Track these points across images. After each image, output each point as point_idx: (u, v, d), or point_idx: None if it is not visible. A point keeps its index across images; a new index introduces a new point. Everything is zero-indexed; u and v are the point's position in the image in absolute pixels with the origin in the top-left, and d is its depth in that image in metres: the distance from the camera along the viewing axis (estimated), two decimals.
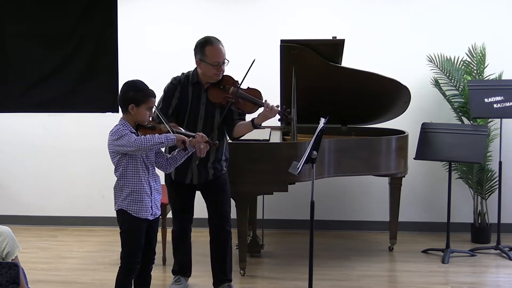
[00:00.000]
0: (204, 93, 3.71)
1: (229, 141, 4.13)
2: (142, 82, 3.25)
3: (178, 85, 3.73)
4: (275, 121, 4.97)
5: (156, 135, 3.14)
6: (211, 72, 3.64)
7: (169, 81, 3.80)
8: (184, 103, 3.70)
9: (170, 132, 3.23)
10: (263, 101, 3.63)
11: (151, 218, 3.26)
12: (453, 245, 4.77)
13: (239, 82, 3.67)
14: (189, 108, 3.71)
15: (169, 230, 4.15)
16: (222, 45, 3.67)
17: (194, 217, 4.00)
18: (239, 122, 3.72)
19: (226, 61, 3.66)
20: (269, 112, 3.58)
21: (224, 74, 3.70)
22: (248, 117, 3.77)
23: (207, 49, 3.63)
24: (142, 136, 3.13)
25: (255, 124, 3.63)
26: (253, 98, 3.65)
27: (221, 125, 3.73)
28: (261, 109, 3.65)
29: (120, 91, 3.25)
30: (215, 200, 3.82)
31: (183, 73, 3.80)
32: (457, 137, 4.64)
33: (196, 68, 3.75)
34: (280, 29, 5.26)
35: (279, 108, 3.62)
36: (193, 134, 3.38)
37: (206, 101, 3.70)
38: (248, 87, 3.70)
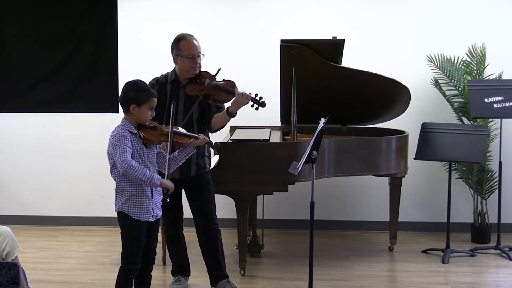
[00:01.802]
0: (182, 89, 3.79)
1: (231, 141, 4.14)
2: (144, 82, 3.26)
3: (156, 84, 3.81)
4: (275, 121, 5.02)
5: (145, 170, 3.11)
6: (188, 65, 3.74)
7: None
8: (162, 100, 3.72)
9: (170, 134, 3.23)
10: (235, 89, 3.72)
11: (152, 219, 3.26)
12: (453, 245, 4.77)
13: (215, 75, 3.74)
14: (167, 105, 3.74)
15: None
16: (196, 40, 3.79)
17: (189, 217, 4.00)
18: (216, 114, 3.79)
19: (201, 55, 3.76)
20: (241, 98, 3.68)
21: (202, 70, 3.79)
22: None
23: (182, 43, 3.76)
24: (134, 162, 3.09)
25: (230, 113, 3.71)
26: (226, 86, 3.74)
27: (201, 119, 3.79)
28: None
29: (122, 91, 3.25)
30: (198, 200, 3.85)
31: (162, 74, 3.90)
32: (457, 137, 4.64)
33: (174, 67, 3.84)
34: (280, 29, 5.26)
35: (251, 95, 3.70)
36: (196, 135, 3.41)
37: (184, 97, 3.78)
38: (223, 79, 3.79)
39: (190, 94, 3.75)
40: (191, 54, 3.72)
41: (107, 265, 4.55)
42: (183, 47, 3.74)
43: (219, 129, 3.88)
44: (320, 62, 4.49)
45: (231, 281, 3.90)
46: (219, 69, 3.72)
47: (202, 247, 3.91)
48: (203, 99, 3.73)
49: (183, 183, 3.84)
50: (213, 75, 3.75)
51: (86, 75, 5.66)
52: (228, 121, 3.80)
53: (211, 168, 3.97)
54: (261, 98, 3.76)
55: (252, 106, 3.76)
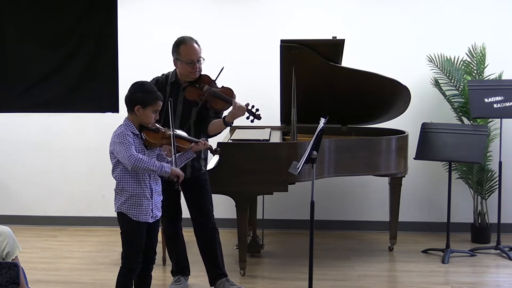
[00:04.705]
0: (182, 91, 3.78)
1: (231, 141, 4.14)
2: (151, 84, 3.29)
3: (155, 85, 3.76)
4: (275, 121, 5.02)
5: (153, 161, 3.14)
6: (187, 70, 3.72)
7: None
8: None
9: (172, 137, 3.24)
10: (232, 100, 3.69)
11: (151, 220, 3.26)
12: (453, 245, 4.77)
13: (215, 81, 3.72)
14: (165, 106, 3.73)
15: None
16: (196, 44, 3.74)
17: (188, 217, 3.99)
18: (214, 120, 3.79)
19: (201, 59, 3.73)
20: (237, 110, 3.67)
21: (202, 73, 3.77)
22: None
23: (181, 48, 3.71)
24: (140, 155, 3.10)
25: (226, 122, 3.72)
26: (224, 95, 3.71)
27: (198, 123, 3.78)
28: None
29: (128, 91, 3.24)
30: (195, 200, 3.85)
31: (163, 74, 3.88)
32: (457, 137, 4.64)
33: (175, 68, 3.83)
34: (280, 29, 5.25)
35: (248, 107, 3.69)
36: (197, 140, 3.40)
37: (183, 99, 3.77)
38: (222, 86, 3.76)
39: (189, 98, 3.74)
40: (190, 60, 3.69)
41: (107, 265, 4.55)
42: (183, 52, 3.70)
43: (215, 135, 3.89)
44: (320, 62, 4.49)
45: (230, 280, 3.90)
46: (222, 68, 3.66)
47: (200, 246, 3.91)
48: (202, 105, 3.72)
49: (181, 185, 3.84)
50: (213, 80, 3.72)
51: (86, 75, 5.66)
52: (225, 129, 3.81)
53: (211, 168, 3.96)
54: (257, 110, 3.73)
55: (248, 118, 3.75)
